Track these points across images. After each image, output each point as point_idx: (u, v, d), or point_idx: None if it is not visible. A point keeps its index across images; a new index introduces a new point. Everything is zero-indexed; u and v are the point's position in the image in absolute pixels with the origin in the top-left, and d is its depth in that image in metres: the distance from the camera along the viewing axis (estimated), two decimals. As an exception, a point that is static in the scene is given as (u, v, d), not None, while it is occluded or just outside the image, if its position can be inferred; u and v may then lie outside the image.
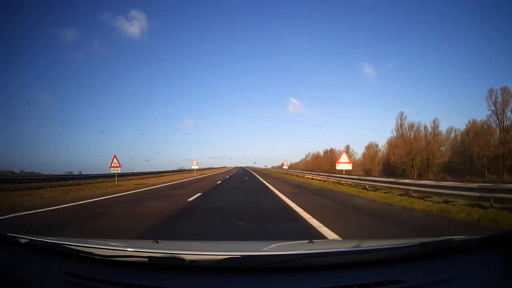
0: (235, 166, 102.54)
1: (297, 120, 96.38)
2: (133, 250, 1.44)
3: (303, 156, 72.75)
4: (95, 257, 1.36)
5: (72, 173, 21.81)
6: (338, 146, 60.46)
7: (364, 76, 70.93)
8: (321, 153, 65.86)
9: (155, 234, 4.45)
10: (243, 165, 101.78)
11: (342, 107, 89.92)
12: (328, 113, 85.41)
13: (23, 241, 1.49)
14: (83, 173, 22.88)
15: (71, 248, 1.42)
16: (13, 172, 21.33)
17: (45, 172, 20.59)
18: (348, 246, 1.61)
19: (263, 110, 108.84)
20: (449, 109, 74.90)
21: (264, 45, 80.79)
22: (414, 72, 68.20)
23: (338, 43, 76.59)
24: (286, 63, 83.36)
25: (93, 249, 1.39)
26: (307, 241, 1.65)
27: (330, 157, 57.71)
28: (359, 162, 51.91)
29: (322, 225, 5.12)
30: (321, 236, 4.36)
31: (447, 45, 62.67)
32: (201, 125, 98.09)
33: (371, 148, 53.72)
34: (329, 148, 61.26)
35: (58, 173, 20.20)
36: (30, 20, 60.07)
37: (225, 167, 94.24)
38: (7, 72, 58.10)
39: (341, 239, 4.18)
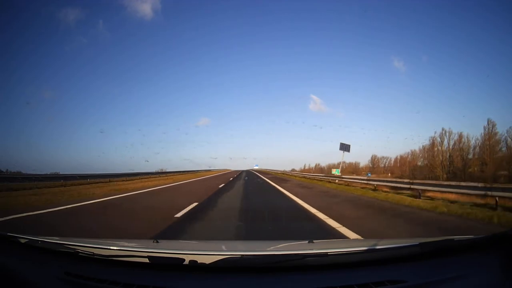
0: (234, 169, 76.82)
1: (317, 121, 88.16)
2: (133, 250, 1.44)
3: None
4: (95, 257, 1.35)
5: (58, 174, 20.52)
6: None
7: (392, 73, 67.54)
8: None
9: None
10: (255, 167, 75.88)
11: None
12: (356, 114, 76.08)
13: (23, 241, 1.47)
14: (62, 173, 20.72)
15: (71, 248, 1.41)
16: (1, 171, 20.52)
17: (27, 172, 18.94)
18: (347, 246, 1.61)
19: (275, 108, 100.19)
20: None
21: (273, 43, 77.56)
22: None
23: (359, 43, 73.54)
24: (305, 61, 77.67)
25: (93, 249, 1.38)
26: (307, 241, 1.65)
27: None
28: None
29: None
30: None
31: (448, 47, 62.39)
32: (203, 125, 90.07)
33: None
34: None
35: (43, 173, 18.72)
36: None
37: (226, 170, 73.72)
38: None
39: (341, 239, 4.19)
